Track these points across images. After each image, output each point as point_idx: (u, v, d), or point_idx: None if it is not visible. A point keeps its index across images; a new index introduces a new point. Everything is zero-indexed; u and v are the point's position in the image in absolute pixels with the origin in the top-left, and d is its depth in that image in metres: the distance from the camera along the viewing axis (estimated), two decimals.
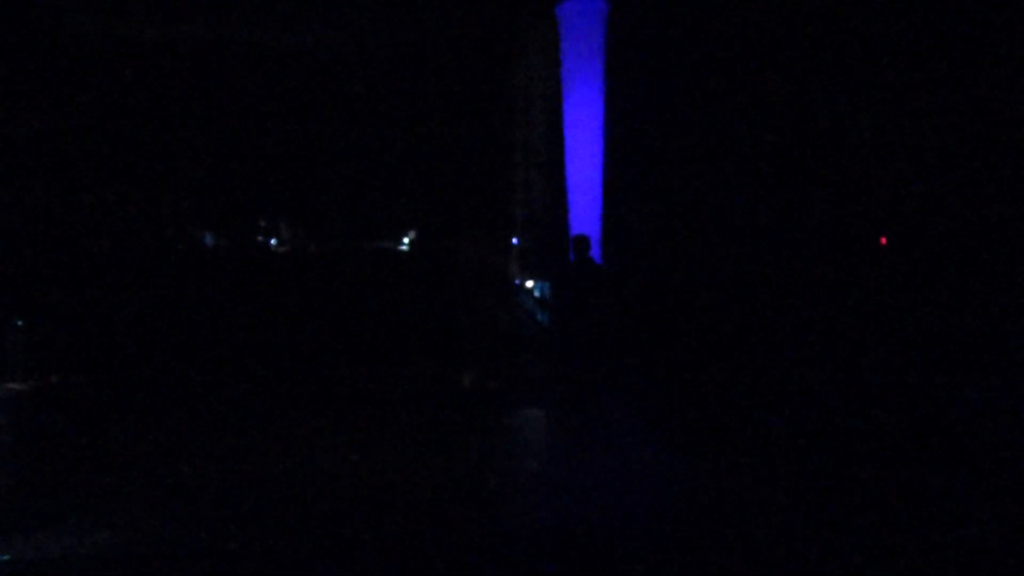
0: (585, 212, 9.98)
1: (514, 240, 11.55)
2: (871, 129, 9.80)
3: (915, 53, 9.54)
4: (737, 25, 9.87)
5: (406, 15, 11.07)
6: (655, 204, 10.19)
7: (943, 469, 6.11)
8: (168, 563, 4.57)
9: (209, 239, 10.99)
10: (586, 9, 10.02)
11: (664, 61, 10.07)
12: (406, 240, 11.37)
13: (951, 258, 9.28)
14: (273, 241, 11.12)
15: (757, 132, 9.97)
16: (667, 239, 10.11)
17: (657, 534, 5.01)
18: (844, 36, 9.70)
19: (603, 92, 10.05)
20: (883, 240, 10.00)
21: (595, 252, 9.38)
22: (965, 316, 8.85)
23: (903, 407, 7.78)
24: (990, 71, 9.18)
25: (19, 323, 6.31)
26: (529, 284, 10.75)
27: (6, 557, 4.52)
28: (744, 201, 10.01)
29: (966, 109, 9.28)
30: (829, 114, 9.89)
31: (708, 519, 5.25)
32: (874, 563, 4.57)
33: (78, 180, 11.19)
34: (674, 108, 10.11)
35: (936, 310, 9.06)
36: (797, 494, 5.66)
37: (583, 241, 9.01)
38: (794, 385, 8.48)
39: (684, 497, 5.68)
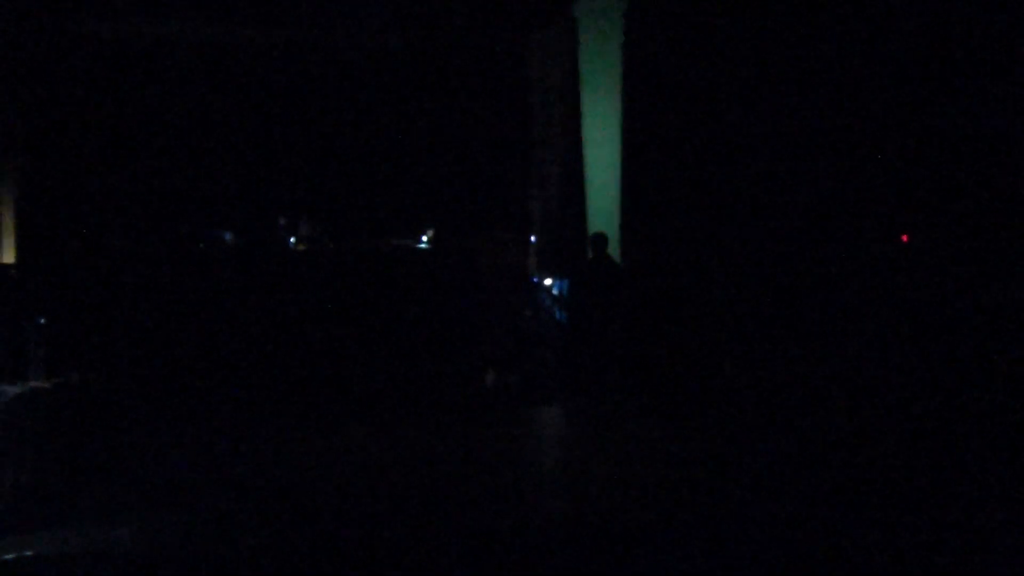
0: (603, 210, 9.96)
1: (532, 238, 11.54)
2: (895, 124, 9.70)
3: (934, 46, 9.45)
4: (758, 19, 9.80)
5: (424, 12, 11.08)
6: (673, 202, 10.14)
7: (961, 467, 6.07)
8: (185, 560, 4.61)
9: (229, 237, 11.05)
10: (605, 5, 10.00)
11: (684, 56, 10.02)
12: (424, 238, 11.38)
13: (975, 255, 9.18)
14: (292, 239, 11.16)
15: (779, 128, 9.89)
16: (686, 237, 10.06)
17: (675, 529, 5.01)
18: (870, 29, 9.60)
19: (621, 88, 10.02)
20: (904, 237, 9.92)
21: (613, 250, 9.36)
22: (987, 314, 8.77)
23: (933, 405, 7.71)
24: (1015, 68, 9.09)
25: (41, 321, 6.36)
26: (547, 281, 10.74)
27: (29, 553, 4.57)
28: (766, 198, 9.94)
29: (993, 105, 9.19)
30: (853, 109, 9.79)
31: (726, 515, 5.24)
32: (894, 560, 4.54)
33: (99, 179, 11.27)
34: (694, 104, 10.05)
35: (959, 307, 8.98)
36: (818, 491, 5.64)
37: (601, 239, 9.01)
38: (816, 383, 8.43)
39: (702, 492, 5.67)
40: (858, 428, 7.22)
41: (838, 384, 8.28)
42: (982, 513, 5.11)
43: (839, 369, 8.60)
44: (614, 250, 9.39)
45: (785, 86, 9.85)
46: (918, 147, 9.65)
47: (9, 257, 10.14)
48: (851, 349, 8.81)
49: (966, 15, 9.01)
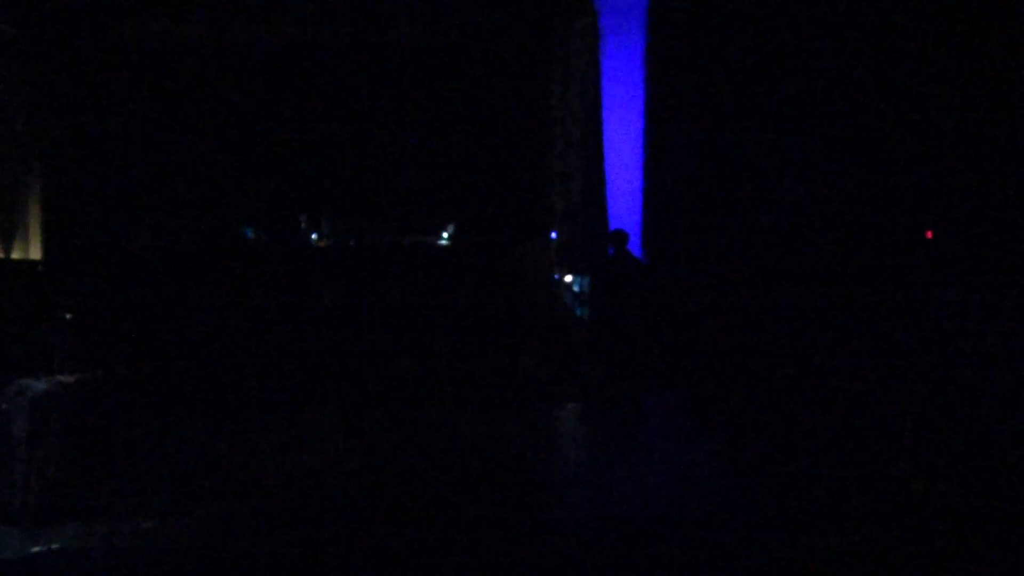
0: (625, 205, 9.93)
1: (552, 234, 11.51)
2: (924, 121, 9.59)
3: (961, 42, 9.34)
4: (783, 12, 9.71)
5: (446, 6, 11.08)
6: (696, 198, 10.09)
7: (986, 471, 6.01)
8: (208, 554, 4.64)
9: (251, 233, 11.12)
10: None
11: (707, 50, 9.95)
12: (445, 234, 11.41)
13: (1002, 254, 9.08)
14: (314, 236, 11.23)
15: (803, 124, 9.81)
16: (707, 234, 10.01)
17: (696, 526, 4.99)
18: (902, 20, 9.49)
19: (644, 82, 9.98)
20: (928, 234, 9.82)
21: (635, 246, 9.33)
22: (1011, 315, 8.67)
23: (960, 408, 7.64)
24: None
25: (67, 316, 6.44)
26: (568, 278, 10.72)
27: (55, 546, 4.62)
28: (789, 194, 9.87)
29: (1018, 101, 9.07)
30: (883, 102, 9.68)
31: (748, 512, 5.22)
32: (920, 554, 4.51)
33: (124, 176, 11.37)
34: (718, 97, 9.99)
35: (983, 308, 8.89)
36: (840, 489, 5.60)
37: (621, 236, 8.98)
38: (840, 382, 8.38)
39: (724, 490, 5.65)
40: (882, 424, 7.17)
41: (871, 383, 8.22)
42: None
43: (870, 367, 8.54)
44: (635, 246, 9.36)
45: (810, 81, 9.77)
46: (942, 147, 9.55)
47: (35, 253, 10.27)
48: (878, 346, 8.75)
49: (999, 15, 8.90)
